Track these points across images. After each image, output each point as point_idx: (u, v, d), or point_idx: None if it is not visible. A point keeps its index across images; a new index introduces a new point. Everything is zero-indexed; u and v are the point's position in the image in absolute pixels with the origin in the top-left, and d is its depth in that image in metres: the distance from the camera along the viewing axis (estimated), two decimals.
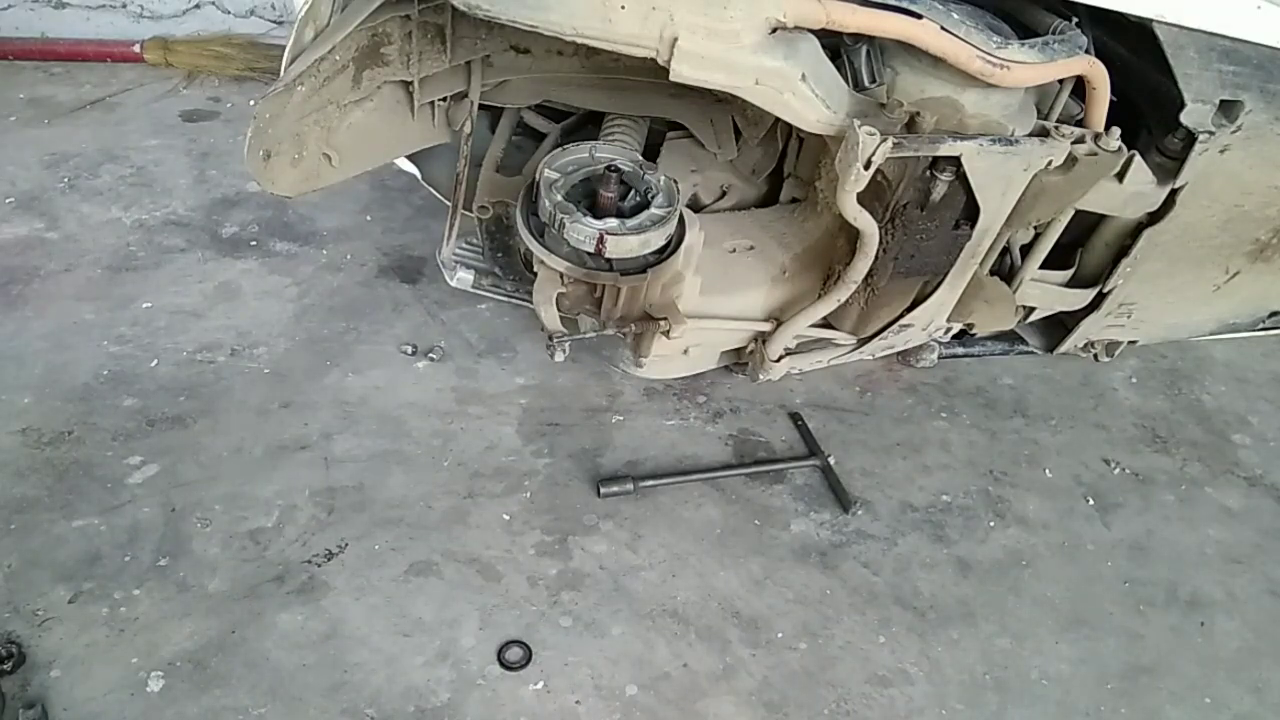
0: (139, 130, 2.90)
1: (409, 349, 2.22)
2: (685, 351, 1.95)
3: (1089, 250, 2.01)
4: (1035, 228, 1.88)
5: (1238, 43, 1.65)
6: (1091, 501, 2.09)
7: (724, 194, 2.06)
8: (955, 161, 1.58)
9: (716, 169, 2.04)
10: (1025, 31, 1.58)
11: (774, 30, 1.43)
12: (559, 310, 1.71)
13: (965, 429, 2.22)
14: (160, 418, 1.98)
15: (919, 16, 1.46)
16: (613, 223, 1.59)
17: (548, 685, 1.62)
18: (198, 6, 3.28)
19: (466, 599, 1.74)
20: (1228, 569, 1.98)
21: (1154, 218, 1.86)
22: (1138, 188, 1.75)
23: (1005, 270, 1.99)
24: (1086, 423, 2.28)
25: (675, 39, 1.38)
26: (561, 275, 1.65)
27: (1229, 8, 1.61)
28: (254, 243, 2.49)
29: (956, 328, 2.10)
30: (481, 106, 1.93)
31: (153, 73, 3.20)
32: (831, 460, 2.06)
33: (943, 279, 1.83)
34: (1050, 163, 1.62)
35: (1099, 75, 1.60)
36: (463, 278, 1.98)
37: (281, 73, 1.60)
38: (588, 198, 1.65)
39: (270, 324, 2.24)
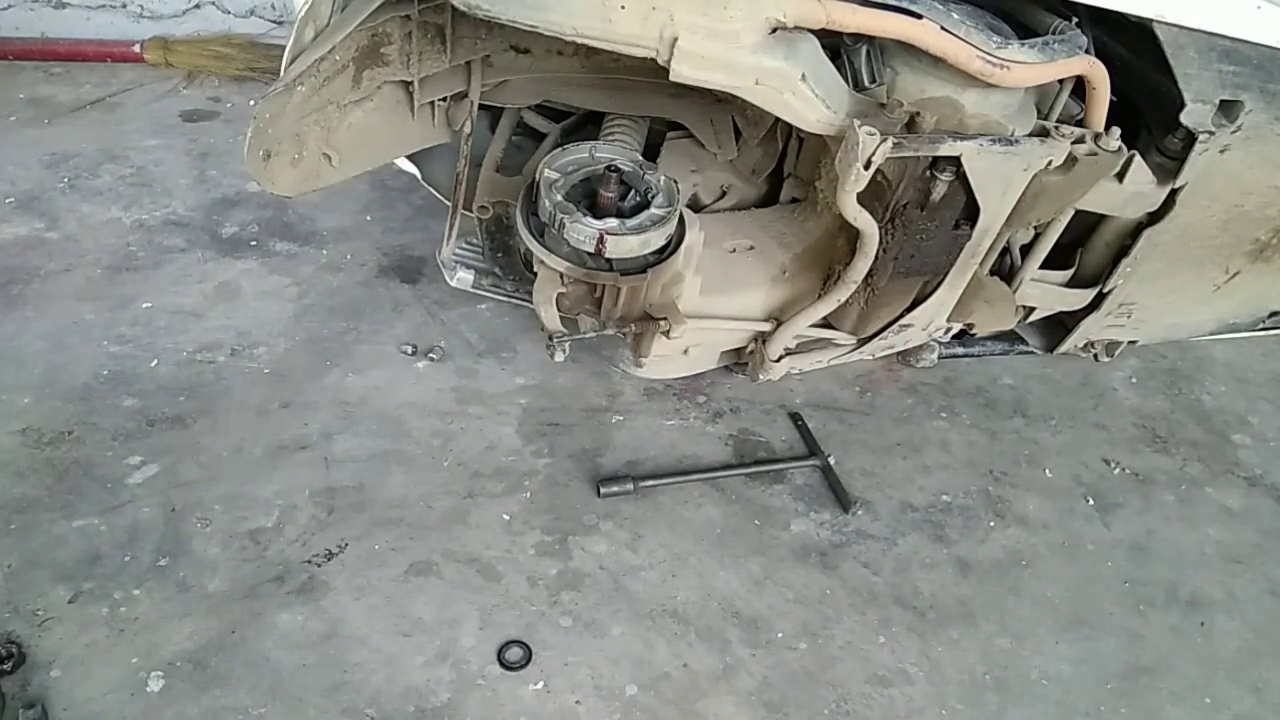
0: (139, 130, 2.90)
1: (409, 349, 2.22)
2: (685, 351, 1.96)
3: (1089, 250, 2.01)
4: (1035, 228, 1.88)
5: (1238, 43, 1.65)
6: (1091, 501, 2.09)
7: (724, 194, 2.06)
8: (955, 161, 1.58)
9: (716, 169, 2.04)
10: (1025, 31, 1.58)
11: (774, 30, 1.43)
12: (559, 310, 1.71)
13: (965, 429, 2.22)
14: (160, 418, 1.98)
15: (919, 16, 1.46)
16: (613, 223, 1.59)
17: (548, 685, 1.62)
18: (198, 6, 3.28)
19: (466, 599, 1.74)
20: (1228, 569, 1.98)
21: (1154, 218, 1.86)
22: (1138, 188, 1.75)
23: (1005, 270, 1.99)
24: (1086, 423, 2.28)
25: (675, 39, 1.38)
26: (561, 275, 1.65)
27: (1229, 8, 1.61)
28: (254, 243, 2.49)
29: (956, 328, 2.10)
30: (481, 106, 1.93)
31: (153, 73, 3.20)
32: (831, 460, 2.06)
33: (943, 279, 1.83)
34: (1050, 163, 1.62)
35: (1099, 75, 1.60)
36: (463, 278, 1.98)
37: (281, 73, 1.60)
38: (588, 198, 1.65)
39: (270, 324, 2.24)
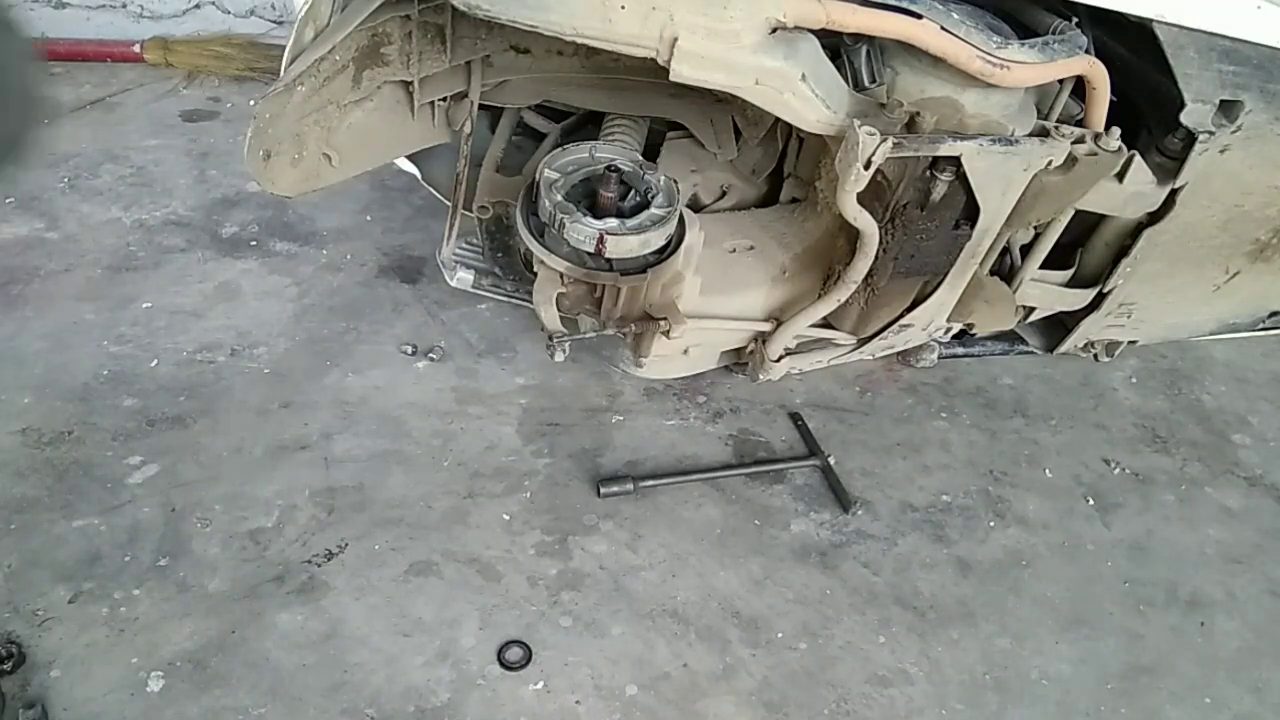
0: (139, 130, 2.90)
1: (409, 349, 2.22)
2: (685, 351, 1.95)
3: (1089, 250, 2.01)
4: (1035, 228, 1.88)
5: (1238, 43, 1.65)
6: (1091, 501, 2.09)
7: (724, 194, 2.06)
8: (955, 161, 1.58)
9: (716, 169, 2.04)
10: (1025, 31, 1.58)
11: (774, 30, 1.43)
12: (559, 310, 1.71)
13: (965, 429, 2.22)
14: (160, 418, 1.98)
15: (919, 16, 1.46)
16: (613, 223, 1.59)
17: (548, 685, 1.62)
18: (198, 6, 3.28)
19: (466, 599, 1.74)
20: (1228, 569, 1.98)
21: (1154, 218, 1.86)
22: (1138, 188, 1.75)
23: (1005, 270, 1.99)
24: (1086, 423, 2.28)
25: (675, 39, 1.38)
26: (561, 275, 1.65)
27: (1229, 8, 1.61)
28: (254, 243, 2.49)
29: (956, 328, 2.10)
30: (481, 106, 1.93)
31: (153, 73, 3.20)
32: (831, 460, 2.06)
33: (943, 279, 1.83)
34: (1050, 163, 1.62)
35: (1099, 75, 1.60)
36: (463, 278, 1.98)
37: (281, 73, 1.60)
38: (588, 198, 1.65)
39: (270, 324, 2.24)
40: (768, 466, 2.04)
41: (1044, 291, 2.02)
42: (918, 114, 1.56)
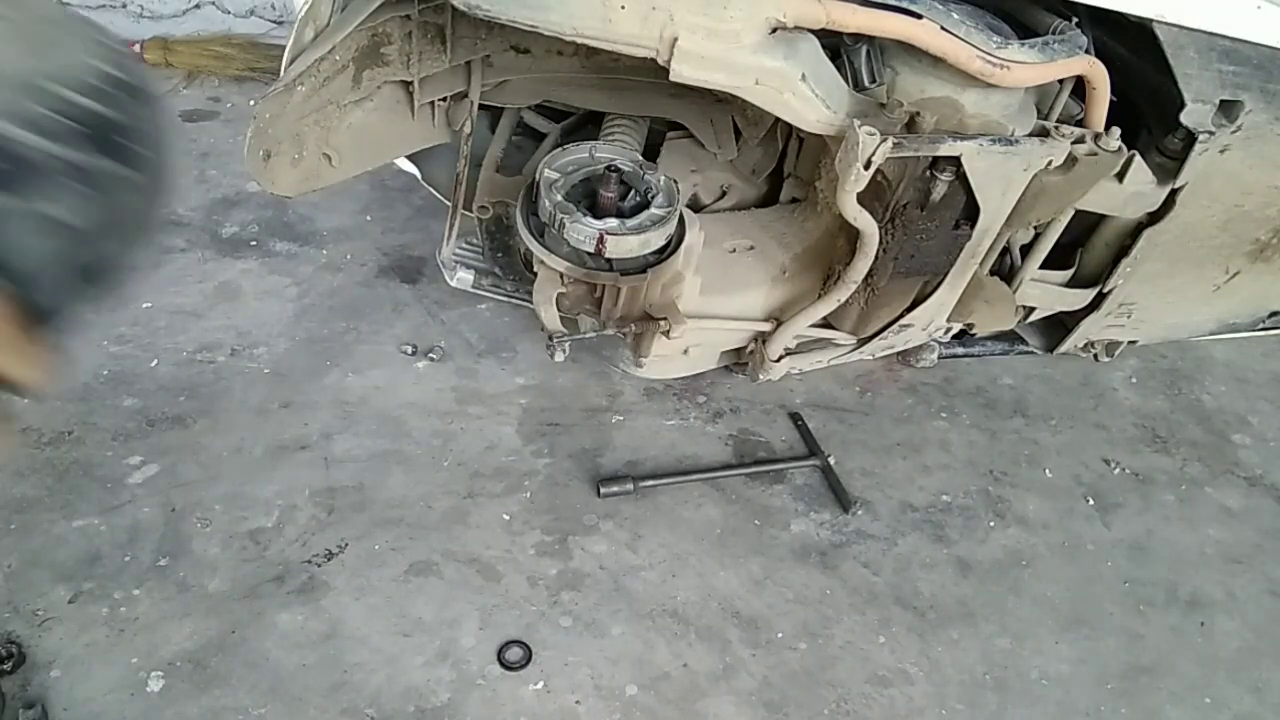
0: None
1: (409, 349, 2.22)
2: (685, 351, 1.95)
3: (1089, 250, 2.01)
4: (1035, 228, 1.88)
5: (1238, 43, 1.65)
6: (1091, 501, 2.09)
7: (724, 194, 2.06)
8: (955, 161, 1.58)
9: (716, 169, 2.04)
10: (1025, 31, 1.58)
11: (774, 30, 1.43)
12: (559, 310, 1.71)
13: (965, 429, 2.22)
14: (160, 418, 1.98)
15: (919, 16, 1.46)
16: (613, 223, 1.59)
17: (548, 685, 1.62)
18: (198, 6, 3.27)
19: (466, 599, 1.74)
20: (1228, 569, 1.98)
21: (1154, 218, 1.86)
22: (1138, 188, 1.75)
23: (1005, 270, 1.99)
24: (1086, 423, 2.28)
25: (675, 39, 1.38)
26: (561, 275, 1.65)
27: (1229, 8, 1.61)
28: (254, 243, 2.49)
29: (956, 328, 2.10)
30: (481, 106, 1.93)
31: (153, 73, 3.20)
32: (831, 460, 2.06)
33: (943, 279, 1.83)
34: (1050, 163, 1.62)
35: (1099, 75, 1.60)
36: (463, 278, 1.98)
37: (281, 73, 1.60)
38: (588, 198, 1.65)
39: (270, 324, 2.24)
40: (768, 466, 2.04)
41: (1044, 291, 2.02)
42: (918, 114, 1.56)
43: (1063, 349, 2.28)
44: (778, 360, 1.97)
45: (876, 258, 1.70)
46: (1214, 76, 1.65)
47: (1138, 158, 1.69)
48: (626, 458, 2.04)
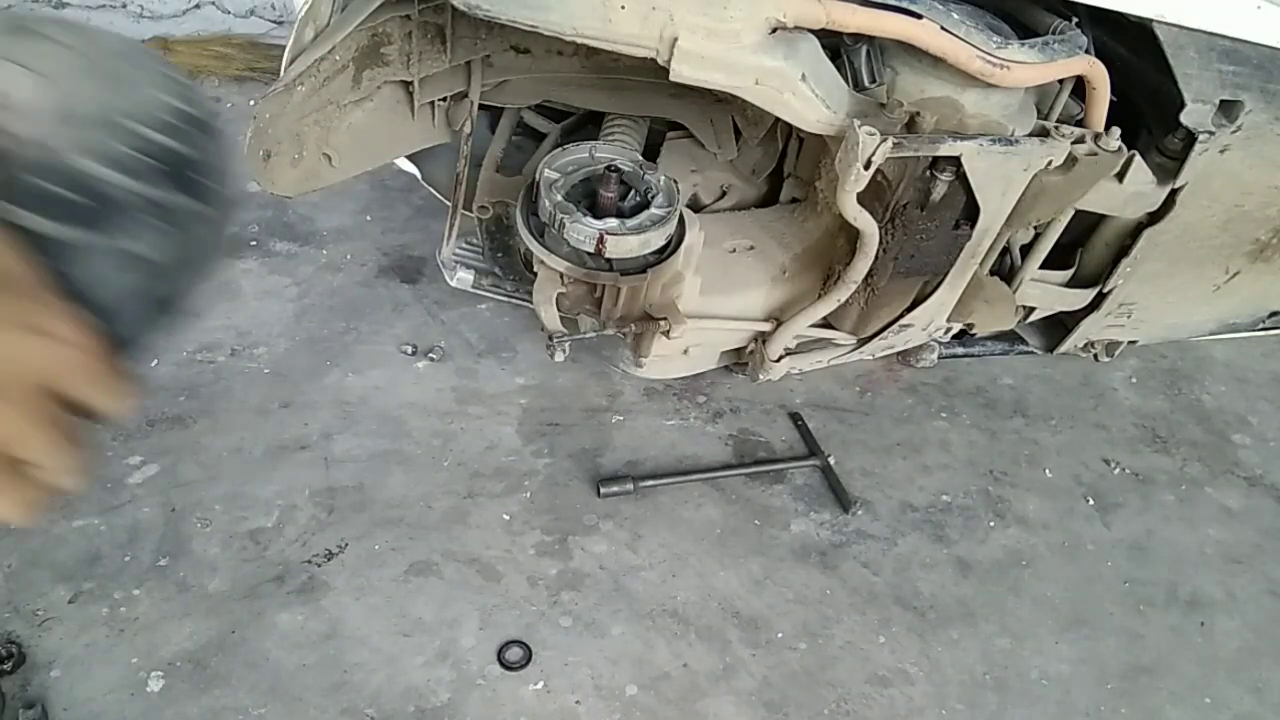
0: None
1: (409, 349, 2.22)
2: (685, 351, 1.95)
3: (1089, 250, 2.01)
4: (1035, 228, 1.88)
5: (1238, 43, 1.65)
6: (1091, 501, 2.09)
7: (724, 194, 2.06)
8: (955, 161, 1.58)
9: (716, 169, 2.04)
10: (1025, 31, 1.58)
11: (774, 30, 1.43)
12: (559, 310, 1.71)
13: (965, 429, 2.22)
14: (160, 418, 1.98)
15: (919, 16, 1.46)
16: (613, 223, 1.59)
17: (548, 685, 1.62)
18: (198, 6, 3.27)
19: (466, 599, 1.74)
20: (1228, 569, 1.98)
21: (1154, 218, 1.86)
22: (1138, 188, 1.75)
23: (1005, 270, 1.99)
24: (1086, 423, 2.29)
25: (675, 39, 1.38)
26: (561, 275, 1.65)
27: (1229, 8, 1.61)
28: (254, 243, 2.49)
29: (956, 328, 2.10)
30: (481, 106, 1.93)
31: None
32: (831, 460, 2.06)
33: (943, 279, 1.83)
34: (1050, 163, 1.62)
35: (1099, 75, 1.60)
36: (463, 278, 1.98)
37: (281, 73, 1.59)
38: (588, 198, 1.65)
39: (270, 324, 2.24)
40: (768, 466, 2.05)
41: (1044, 291, 2.02)
42: (918, 114, 1.56)
43: (1063, 349, 2.28)
44: (778, 360, 1.97)
45: (876, 258, 1.70)
46: (1214, 76, 1.65)
47: (1138, 158, 1.69)
48: (626, 458, 2.04)
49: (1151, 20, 1.60)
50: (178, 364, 2.11)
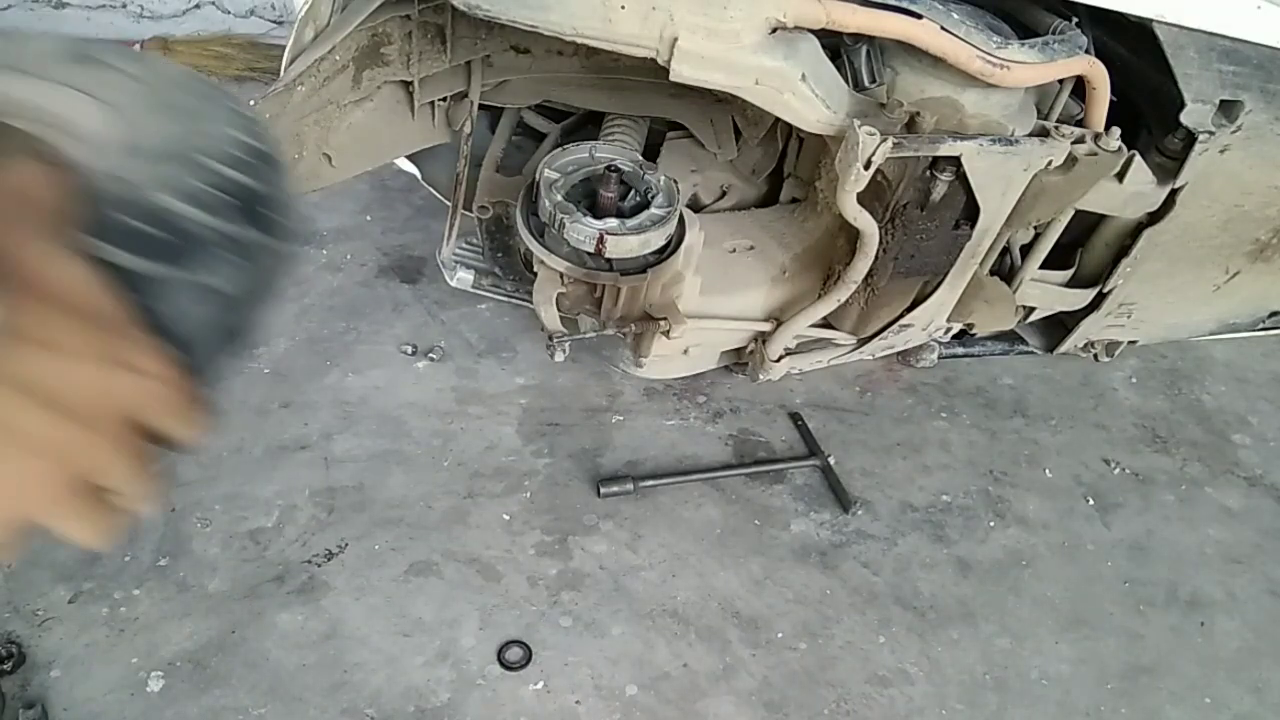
0: None
1: (409, 349, 2.22)
2: (685, 351, 1.95)
3: (1089, 250, 2.01)
4: (1035, 228, 1.88)
5: (1238, 43, 1.65)
6: (1091, 501, 2.09)
7: (724, 194, 2.06)
8: (955, 161, 1.58)
9: (716, 169, 2.04)
10: (1025, 31, 1.58)
11: (774, 30, 1.43)
12: (559, 310, 1.71)
13: (965, 429, 2.22)
14: None
15: (919, 16, 1.46)
16: (613, 223, 1.59)
17: (548, 685, 1.62)
18: (198, 6, 3.27)
19: (466, 599, 1.74)
20: (1228, 569, 1.98)
21: (1154, 218, 1.86)
22: (1138, 188, 1.75)
23: (1005, 270, 1.99)
24: (1086, 423, 2.29)
25: (675, 39, 1.38)
26: (561, 275, 1.65)
27: (1229, 8, 1.61)
28: None
29: (956, 328, 2.10)
30: (481, 106, 1.93)
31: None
32: (831, 460, 2.06)
33: (943, 279, 1.83)
34: (1050, 163, 1.62)
35: (1099, 75, 1.60)
36: (463, 278, 1.98)
37: (281, 73, 1.60)
38: (588, 198, 1.65)
39: (270, 324, 2.24)
40: (768, 466, 2.04)
41: (1044, 291, 2.02)
42: (918, 114, 1.56)
43: (1063, 349, 2.28)
44: (778, 360, 1.97)
45: (876, 258, 1.70)
46: (1214, 76, 1.65)
47: (1138, 158, 1.69)
48: (626, 458, 2.04)
49: (1151, 20, 1.60)
50: None
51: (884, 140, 1.46)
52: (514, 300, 2.08)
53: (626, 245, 1.58)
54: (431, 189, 2.18)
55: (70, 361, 0.42)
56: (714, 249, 1.86)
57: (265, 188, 0.56)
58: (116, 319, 0.45)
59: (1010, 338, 2.35)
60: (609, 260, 1.61)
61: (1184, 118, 1.67)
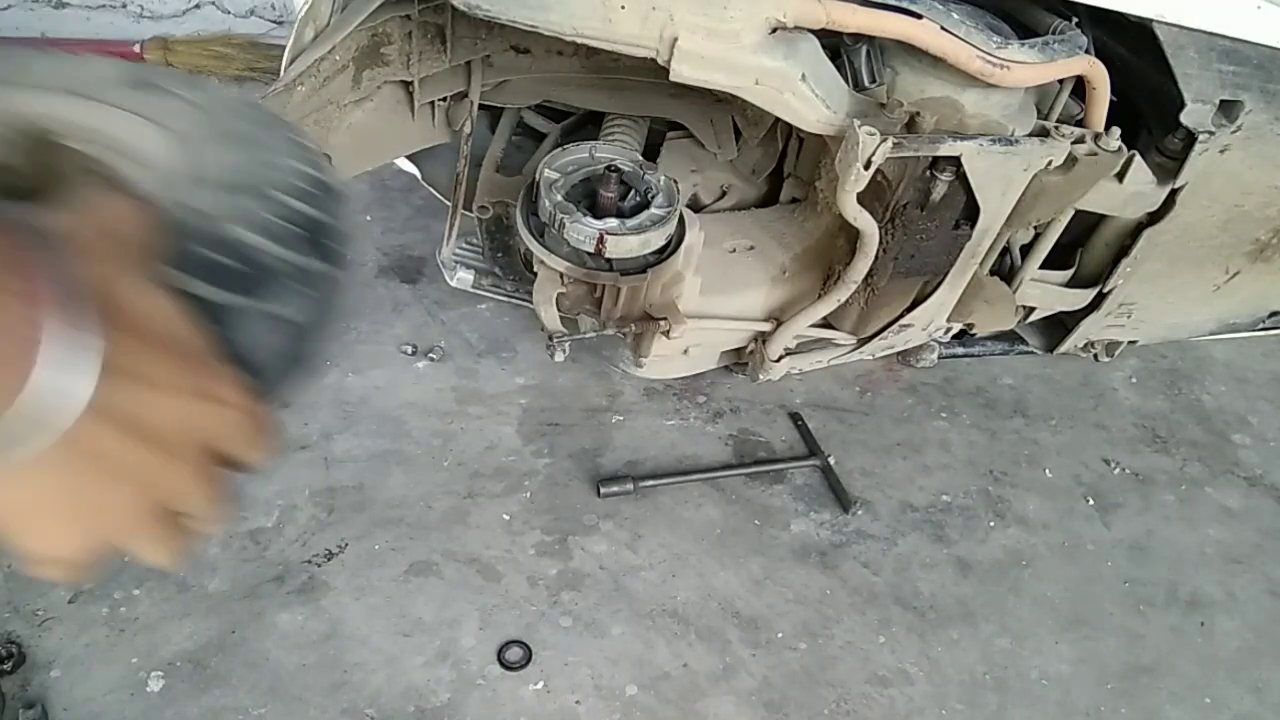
0: None
1: (409, 349, 2.22)
2: (685, 351, 1.95)
3: (1089, 250, 2.01)
4: (1035, 228, 1.88)
5: (1238, 43, 1.65)
6: (1091, 501, 2.09)
7: (724, 194, 2.06)
8: (955, 161, 1.58)
9: (716, 169, 2.04)
10: (1025, 31, 1.58)
11: (774, 30, 1.43)
12: (559, 310, 1.71)
13: (965, 429, 2.22)
14: None
15: (919, 16, 1.46)
16: (613, 223, 1.59)
17: (548, 685, 1.63)
18: (198, 6, 3.28)
19: (466, 599, 1.74)
20: (1228, 569, 1.98)
21: (1154, 218, 1.86)
22: (1138, 188, 1.75)
23: (1005, 270, 1.99)
24: (1086, 423, 2.29)
25: (675, 39, 1.38)
26: (561, 275, 1.65)
27: (1229, 8, 1.61)
28: None
29: (956, 328, 2.10)
30: (481, 106, 1.93)
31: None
32: (831, 460, 2.06)
33: (943, 279, 1.83)
34: (1050, 163, 1.62)
35: (1099, 75, 1.60)
36: (463, 278, 1.98)
37: (281, 73, 1.60)
38: (588, 198, 1.65)
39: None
40: (768, 466, 2.05)
41: (1044, 291, 2.02)
42: (918, 114, 1.56)
43: (1063, 349, 2.28)
44: (778, 360, 1.97)
45: (876, 258, 1.70)
46: (1214, 76, 1.65)
47: (1138, 158, 1.69)
48: (626, 458, 2.04)
49: (1151, 20, 1.60)
50: None
51: (884, 140, 1.46)
52: (514, 300, 2.08)
53: (626, 245, 1.58)
54: (431, 189, 2.18)
55: (160, 394, 0.44)
56: (714, 249, 1.86)
57: (329, 218, 0.58)
58: (200, 351, 0.47)
59: (1010, 338, 2.35)
60: (609, 260, 1.61)
61: (1184, 118, 1.67)
